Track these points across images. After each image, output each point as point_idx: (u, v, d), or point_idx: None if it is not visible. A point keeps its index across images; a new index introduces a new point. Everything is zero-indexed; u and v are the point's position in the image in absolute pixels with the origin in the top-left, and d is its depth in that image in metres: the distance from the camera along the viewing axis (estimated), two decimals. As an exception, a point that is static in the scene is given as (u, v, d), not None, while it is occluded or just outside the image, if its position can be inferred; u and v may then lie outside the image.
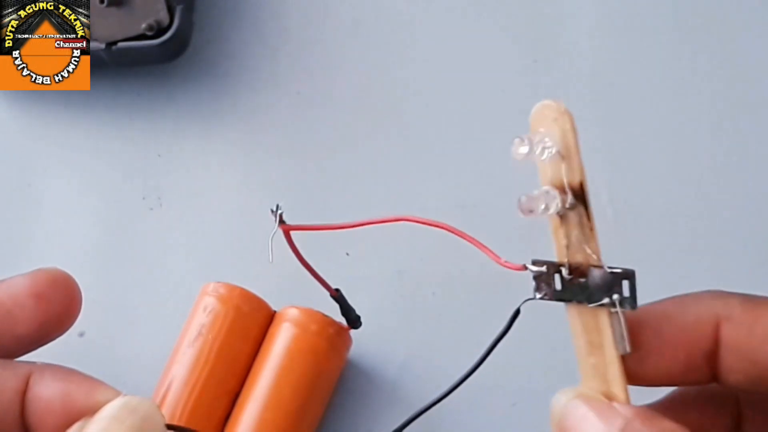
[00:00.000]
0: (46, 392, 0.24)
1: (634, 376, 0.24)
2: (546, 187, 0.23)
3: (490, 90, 0.44)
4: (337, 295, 0.35)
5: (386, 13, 0.45)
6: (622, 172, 0.42)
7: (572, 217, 0.23)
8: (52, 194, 0.44)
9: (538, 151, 0.23)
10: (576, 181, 0.23)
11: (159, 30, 0.42)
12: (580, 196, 0.23)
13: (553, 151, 0.23)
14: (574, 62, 0.44)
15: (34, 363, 0.25)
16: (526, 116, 0.43)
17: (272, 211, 0.28)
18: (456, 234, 0.25)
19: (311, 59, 0.45)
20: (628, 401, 0.24)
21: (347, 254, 0.42)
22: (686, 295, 0.25)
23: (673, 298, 0.25)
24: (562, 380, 0.40)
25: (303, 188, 0.43)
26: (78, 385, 0.24)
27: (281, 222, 0.28)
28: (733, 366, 0.24)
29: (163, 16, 0.42)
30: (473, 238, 0.25)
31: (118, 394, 0.24)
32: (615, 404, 0.23)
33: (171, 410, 0.35)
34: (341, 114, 0.44)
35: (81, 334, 0.41)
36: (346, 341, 0.38)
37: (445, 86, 0.44)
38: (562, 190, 0.23)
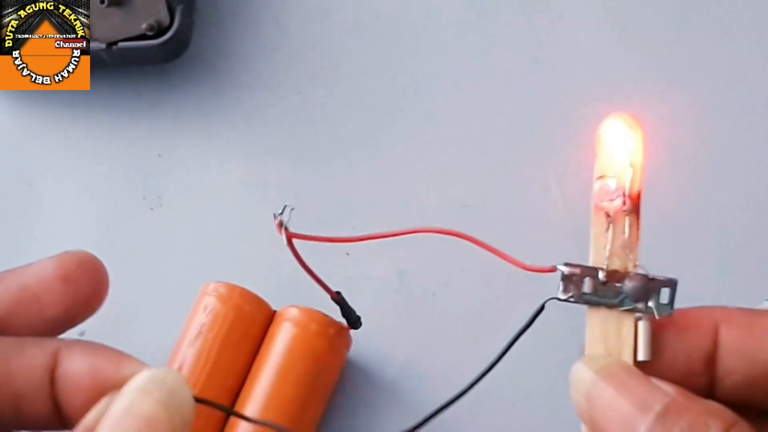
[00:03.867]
0: (75, 368, 0.23)
1: None
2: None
3: (490, 90, 0.44)
4: (338, 298, 0.35)
5: (386, 14, 0.45)
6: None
7: (621, 223, 0.24)
8: (52, 194, 0.44)
9: (622, 149, 0.25)
10: (636, 190, 0.25)
11: (159, 30, 0.42)
12: (636, 204, 0.25)
13: (627, 156, 0.25)
14: (574, 62, 0.44)
15: (61, 339, 0.24)
16: (526, 116, 0.44)
17: (274, 215, 0.28)
18: (475, 243, 0.25)
19: (311, 59, 0.45)
20: None
21: (347, 254, 0.42)
22: (686, 308, 0.25)
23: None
24: (561, 380, 0.40)
25: (302, 188, 0.43)
26: (106, 359, 0.24)
27: (284, 228, 0.28)
28: (732, 367, 0.24)
29: (164, 16, 0.42)
30: (494, 248, 0.26)
31: (144, 366, 0.23)
32: (653, 379, 0.22)
33: (171, 410, 0.35)
34: (341, 114, 0.44)
35: (81, 334, 0.41)
36: (346, 341, 0.38)
37: (445, 86, 0.44)
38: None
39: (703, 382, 0.24)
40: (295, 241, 0.28)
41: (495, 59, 0.44)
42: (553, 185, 0.42)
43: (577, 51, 0.44)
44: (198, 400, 0.23)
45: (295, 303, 0.38)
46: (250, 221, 0.42)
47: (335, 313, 0.37)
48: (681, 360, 0.24)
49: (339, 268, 0.41)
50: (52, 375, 0.23)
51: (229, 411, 0.36)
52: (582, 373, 0.23)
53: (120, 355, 0.24)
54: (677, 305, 0.24)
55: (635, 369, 0.23)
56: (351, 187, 0.43)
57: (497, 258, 0.41)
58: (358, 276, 0.41)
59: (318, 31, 0.45)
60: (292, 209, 0.27)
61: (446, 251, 0.42)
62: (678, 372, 0.24)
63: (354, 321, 0.37)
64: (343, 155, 0.44)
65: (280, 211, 0.28)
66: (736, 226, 0.41)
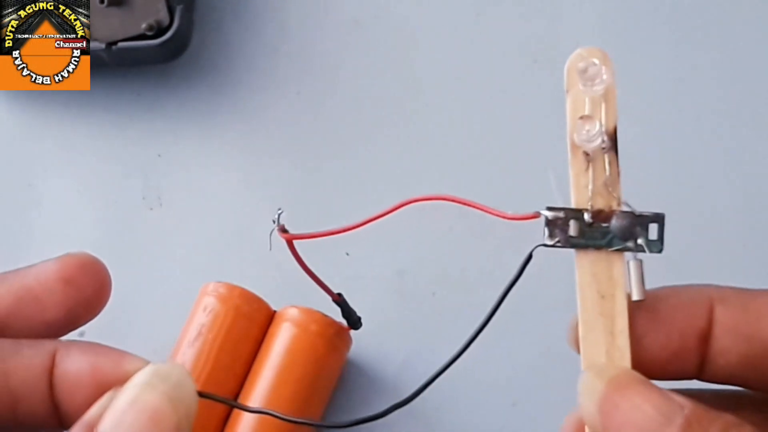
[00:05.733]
0: (73, 367, 0.23)
1: None
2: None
3: (490, 90, 0.44)
4: (340, 300, 0.35)
5: (386, 13, 0.45)
6: (621, 172, 0.42)
7: (600, 161, 0.24)
8: (52, 194, 0.44)
9: (597, 79, 0.24)
10: (612, 125, 0.24)
11: (159, 30, 0.42)
12: (613, 140, 0.24)
13: (601, 88, 0.24)
14: (574, 62, 0.44)
15: (59, 340, 0.24)
16: (525, 116, 0.44)
17: (274, 221, 0.28)
18: (457, 202, 0.25)
19: (311, 59, 0.45)
20: (629, 353, 0.23)
21: (347, 254, 0.42)
22: (679, 285, 0.25)
23: (667, 286, 0.25)
24: (562, 380, 0.40)
25: (302, 188, 0.43)
26: (106, 357, 0.24)
27: (284, 231, 0.27)
28: (727, 346, 0.24)
29: (163, 16, 0.42)
30: (476, 204, 0.25)
31: (146, 363, 0.23)
32: (670, 393, 0.22)
33: (171, 410, 0.35)
34: (341, 114, 0.44)
35: (81, 334, 0.41)
36: (346, 341, 0.38)
37: (445, 86, 0.44)
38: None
39: (695, 360, 0.24)
40: (295, 241, 0.28)
41: (495, 59, 0.44)
42: (553, 185, 0.42)
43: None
44: (201, 394, 0.23)
45: (295, 303, 0.38)
46: (250, 221, 0.42)
47: (335, 313, 0.36)
48: (675, 338, 0.24)
49: (339, 268, 0.41)
50: (50, 376, 0.23)
51: (232, 403, 0.36)
52: (593, 383, 0.23)
53: (120, 352, 0.24)
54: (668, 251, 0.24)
55: (647, 380, 0.23)
56: (351, 187, 0.43)
57: (495, 254, 0.41)
58: (358, 276, 0.41)
59: (318, 31, 0.45)
60: (282, 212, 0.27)
61: (446, 251, 0.42)
62: (671, 350, 0.24)
63: (354, 321, 0.37)
64: (343, 155, 0.44)
65: (276, 216, 0.27)
66: (735, 228, 0.41)
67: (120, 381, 0.23)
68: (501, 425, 0.40)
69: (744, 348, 0.23)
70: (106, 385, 0.23)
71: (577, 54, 0.24)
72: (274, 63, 0.45)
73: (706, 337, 0.24)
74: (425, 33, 0.45)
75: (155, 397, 0.22)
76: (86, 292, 0.25)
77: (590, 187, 0.24)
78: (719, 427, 0.21)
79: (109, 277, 0.26)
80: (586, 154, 0.24)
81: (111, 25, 0.42)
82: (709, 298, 0.24)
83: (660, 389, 0.22)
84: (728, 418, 0.21)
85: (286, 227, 0.27)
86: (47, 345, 0.24)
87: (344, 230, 0.27)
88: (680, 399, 0.21)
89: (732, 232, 0.41)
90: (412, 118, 0.44)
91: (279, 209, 0.27)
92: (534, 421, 0.39)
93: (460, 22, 0.45)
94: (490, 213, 0.25)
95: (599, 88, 0.24)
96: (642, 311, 0.24)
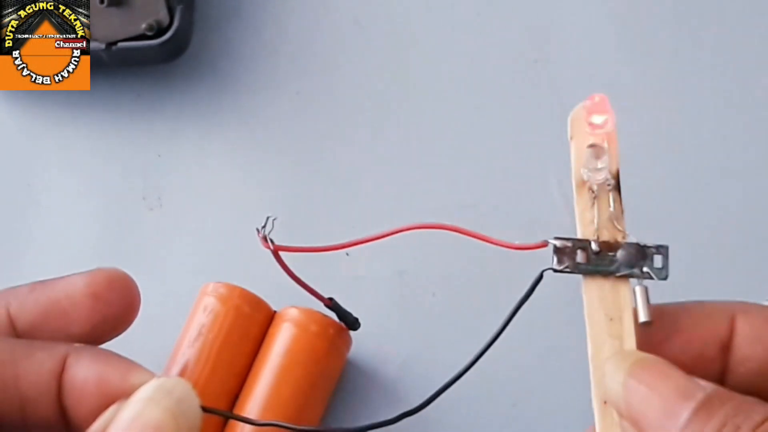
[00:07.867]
0: (81, 374, 0.23)
1: None
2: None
3: (490, 90, 0.44)
4: (332, 304, 0.35)
5: (386, 13, 0.45)
6: (622, 173, 0.42)
7: (605, 197, 0.26)
8: (52, 194, 0.44)
9: (598, 132, 0.26)
10: (614, 168, 0.26)
11: (159, 30, 0.42)
12: (616, 181, 0.26)
13: (603, 133, 0.26)
14: (574, 62, 0.44)
15: (70, 344, 0.24)
16: (525, 116, 0.44)
17: (257, 230, 0.28)
18: (463, 233, 0.26)
19: (311, 59, 0.45)
20: None
21: (347, 254, 0.42)
22: (704, 300, 0.26)
23: (691, 301, 0.26)
24: (562, 380, 0.40)
25: (302, 188, 0.43)
26: (114, 367, 0.24)
27: (266, 241, 0.27)
28: (748, 354, 0.24)
29: (163, 16, 0.42)
30: (481, 235, 0.26)
31: (152, 376, 0.24)
32: (693, 376, 0.22)
33: (171, 410, 0.35)
34: (341, 114, 0.44)
35: (81, 334, 0.41)
36: (346, 341, 0.38)
37: (445, 86, 0.44)
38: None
39: (716, 369, 0.25)
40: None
41: (495, 59, 0.44)
42: (553, 185, 0.42)
43: (576, 51, 0.44)
44: (205, 409, 0.23)
45: (295, 303, 0.38)
46: (250, 221, 0.42)
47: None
48: (696, 345, 0.25)
49: (339, 268, 0.41)
50: (59, 380, 0.23)
51: (236, 417, 0.36)
52: (619, 363, 0.23)
53: (128, 363, 0.24)
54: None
55: (671, 363, 0.23)
56: (351, 187, 0.43)
57: (494, 255, 0.41)
58: (358, 276, 0.41)
59: (318, 31, 0.45)
60: (275, 219, 0.27)
61: (446, 251, 0.42)
62: (691, 356, 0.25)
63: (352, 323, 0.37)
64: (342, 155, 0.44)
65: (262, 224, 0.27)
66: (735, 227, 0.41)
67: (125, 393, 0.23)
68: (501, 425, 0.40)
69: (765, 357, 0.24)
70: (111, 396, 0.23)
71: (580, 107, 0.26)
72: (274, 63, 0.45)
73: (727, 346, 0.24)
74: (425, 33, 0.45)
75: (158, 413, 0.22)
76: (114, 308, 0.26)
77: (596, 221, 0.25)
78: (738, 402, 0.21)
79: (139, 294, 0.26)
80: (592, 191, 0.25)
81: (111, 25, 0.42)
82: (731, 310, 0.25)
83: (683, 372, 0.22)
84: (749, 398, 0.21)
85: (270, 237, 0.27)
86: (59, 348, 0.24)
87: (332, 248, 0.27)
88: (703, 382, 0.22)
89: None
90: (411, 118, 0.44)
91: (269, 216, 0.27)
92: (534, 421, 0.39)
93: (460, 21, 0.45)
94: (495, 244, 0.26)
95: (600, 137, 0.26)
96: (664, 321, 0.25)
